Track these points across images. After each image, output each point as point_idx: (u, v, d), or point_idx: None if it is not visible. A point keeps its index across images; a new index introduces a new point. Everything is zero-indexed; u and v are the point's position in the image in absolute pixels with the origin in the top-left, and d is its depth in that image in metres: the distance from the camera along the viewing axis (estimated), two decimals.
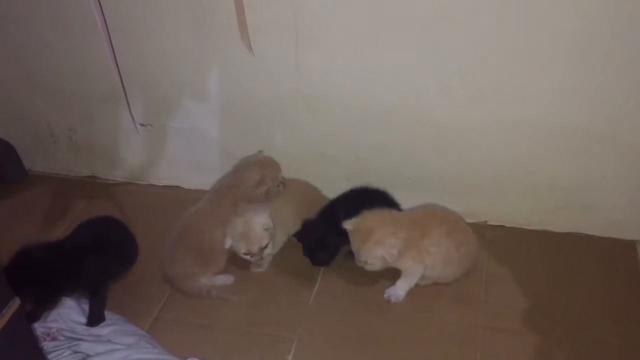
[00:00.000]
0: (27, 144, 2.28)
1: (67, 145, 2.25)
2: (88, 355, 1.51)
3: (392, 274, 1.76)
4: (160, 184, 2.26)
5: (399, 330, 1.69)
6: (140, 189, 2.26)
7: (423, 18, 1.64)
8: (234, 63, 1.87)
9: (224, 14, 1.73)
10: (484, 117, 1.79)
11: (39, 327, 1.60)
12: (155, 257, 1.87)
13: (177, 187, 2.24)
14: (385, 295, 1.77)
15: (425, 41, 1.69)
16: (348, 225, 1.69)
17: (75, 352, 1.53)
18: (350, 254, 1.86)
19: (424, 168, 1.94)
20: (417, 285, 1.78)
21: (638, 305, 1.72)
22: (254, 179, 1.91)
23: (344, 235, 1.75)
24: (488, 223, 2.01)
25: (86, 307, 1.67)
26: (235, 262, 1.88)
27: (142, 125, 2.10)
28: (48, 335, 1.59)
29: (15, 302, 1.05)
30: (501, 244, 1.94)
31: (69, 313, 1.67)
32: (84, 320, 1.65)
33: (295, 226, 1.89)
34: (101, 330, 1.63)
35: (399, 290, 1.77)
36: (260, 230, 1.76)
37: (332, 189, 1.97)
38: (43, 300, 1.62)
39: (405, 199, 1.91)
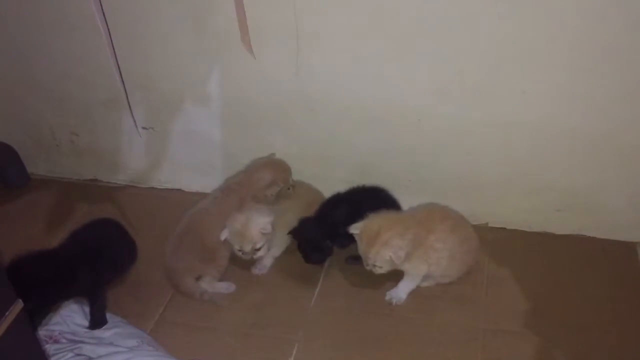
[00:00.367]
0: (30, 148, 2.29)
1: (69, 149, 2.26)
2: (90, 358, 1.51)
3: (393, 276, 1.76)
4: (162, 187, 2.27)
5: (400, 332, 1.69)
6: (142, 192, 2.26)
7: (423, 20, 1.65)
8: (235, 66, 1.87)
9: (225, 17, 1.74)
10: (484, 119, 1.79)
11: (41, 330, 1.61)
12: (158, 260, 1.88)
13: (179, 190, 2.25)
14: (387, 298, 1.77)
15: (425, 43, 1.69)
16: (355, 229, 1.69)
17: (77, 355, 1.53)
18: (351, 260, 1.89)
19: (424, 170, 1.95)
20: (418, 286, 1.79)
21: (638, 307, 1.72)
22: (265, 180, 1.92)
23: (340, 236, 1.77)
24: (489, 225, 2.01)
25: (88, 310, 1.67)
26: (237, 263, 1.89)
27: (144, 128, 2.10)
28: (50, 338, 1.59)
29: (18, 305, 1.05)
30: (502, 245, 1.94)
31: (71, 316, 1.67)
32: (86, 323, 1.66)
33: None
34: (103, 333, 1.63)
35: (401, 292, 1.77)
36: (257, 232, 1.77)
37: (333, 191, 1.97)
38: (37, 311, 1.61)
39: (406, 201, 1.92)
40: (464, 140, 1.85)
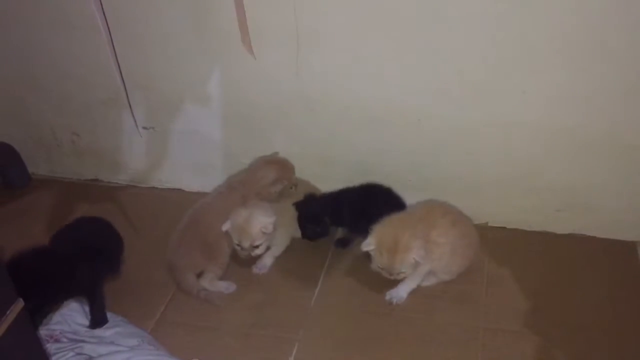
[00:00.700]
0: (31, 148, 2.29)
1: (70, 149, 2.26)
2: (91, 357, 1.51)
3: None
4: (163, 187, 2.27)
5: (400, 332, 1.69)
6: (143, 192, 2.27)
7: (423, 20, 1.65)
8: (235, 66, 1.88)
9: (226, 17, 1.74)
10: (484, 119, 1.79)
11: (42, 330, 1.60)
12: (158, 260, 1.88)
13: (179, 189, 2.25)
14: (387, 297, 1.77)
15: (425, 43, 1.70)
16: (368, 245, 1.68)
17: (78, 354, 1.53)
18: (338, 243, 1.94)
19: (424, 170, 1.95)
20: (419, 286, 1.79)
21: (639, 307, 1.72)
22: (269, 177, 1.94)
23: (338, 216, 1.83)
24: (489, 224, 2.01)
25: (89, 309, 1.68)
26: (238, 262, 1.89)
27: (144, 128, 2.11)
28: (51, 337, 1.59)
29: (19, 304, 1.05)
30: (502, 245, 1.94)
31: (72, 315, 1.67)
32: (87, 322, 1.66)
33: (298, 229, 1.91)
34: (104, 332, 1.63)
35: (401, 291, 1.77)
36: (258, 230, 1.78)
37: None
38: (37, 311, 1.61)
39: (407, 201, 1.92)
40: (464, 140, 1.86)
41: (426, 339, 1.67)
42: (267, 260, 1.91)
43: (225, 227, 1.80)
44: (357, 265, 1.88)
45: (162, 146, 2.16)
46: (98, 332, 1.63)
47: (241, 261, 1.87)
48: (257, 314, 1.77)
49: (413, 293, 1.78)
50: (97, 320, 1.65)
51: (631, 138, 1.73)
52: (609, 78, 1.64)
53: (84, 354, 1.53)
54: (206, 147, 2.11)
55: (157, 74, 1.96)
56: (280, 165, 1.97)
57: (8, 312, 1.03)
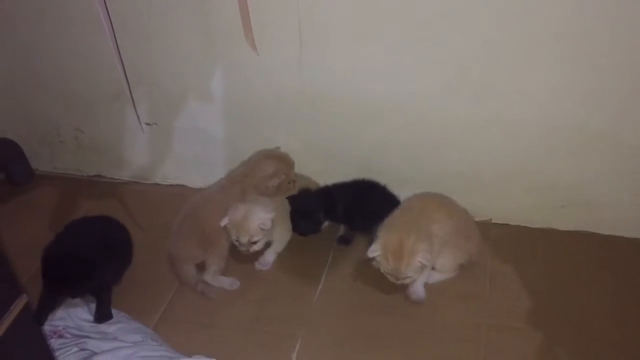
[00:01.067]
0: (34, 145, 2.29)
1: (73, 145, 2.26)
2: (94, 353, 1.52)
3: None
4: (166, 183, 2.27)
5: (403, 328, 1.69)
6: (146, 188, 2.27)
7: (426, 17, 1.65)
8: (238, 62, 1.87)
9: (228, 13, 1.73)
10: (487, 115, 1.79)
11: (46, 325, 1.62)
12: (161, 256, 1.89)
13: (182, 185, 2.25)
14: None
15: (428, 40, 1.69)
16: (374, 252, 1.67)
17: (82, 350, 1.54)
18: (340, 240, 1.93)
19: (427, 166, 1.94)
20: (426, 282, 1.79)
21: None
22: (268, 170, 1.93)
23: (332, 212, 1.83)
24: (492, 221, 2.01)
25: (93, 305, 1.68)
26: (241, 259, 1.89)
27: (147, 124, 2.11)
28: (55, 333, 1.60)
29: (22, 300, 1.06)
30: (505, 242, 1.94)
31: (76, 311, 1.68)
32: (90, 318, 1.67)
33: None
34: (107, 327, 1.64)
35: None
36: (256, 226, 1.77)
37: None
38: (45, 306, 1.64)
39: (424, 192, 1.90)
40: (468, 136, 1.85)
41: (429, 335, 1.67)
42: (270, 257, 1.91)
43: (224, 222, 1.79)
44: (359, 262, 1.88)
45: (165, 142, 2.16)
46: (102, 327, 1.64)
47: (243, 258, 1.87)
48: (260, 310, 1.77)
49: None
50: (103, 314, 1.66)
51: (636, 134, 1.73)
52: (613, 75, 1.63)
53: (88, 350, 1.54)
54: (209, 143, 2.11)
55: (160, 71, 1.96)
56: (279, 160, 1.97)
57: (12, 307, 1.03)
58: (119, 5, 1.75)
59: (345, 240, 1.96)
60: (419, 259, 1.63)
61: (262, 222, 1.78)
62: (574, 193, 1.89)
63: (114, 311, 1.69)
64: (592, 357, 1.59)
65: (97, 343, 1.55)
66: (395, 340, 1.66)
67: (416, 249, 1.63)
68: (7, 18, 1.97)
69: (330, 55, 1.79)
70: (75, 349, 1.55)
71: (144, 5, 1.81)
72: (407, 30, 1.69)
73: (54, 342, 1.56)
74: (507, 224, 2.00)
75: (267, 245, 1.89)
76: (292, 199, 1.88)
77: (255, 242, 1.80)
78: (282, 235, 1.91)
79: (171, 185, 2.26)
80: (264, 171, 1.93)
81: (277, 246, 1.92)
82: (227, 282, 1.85)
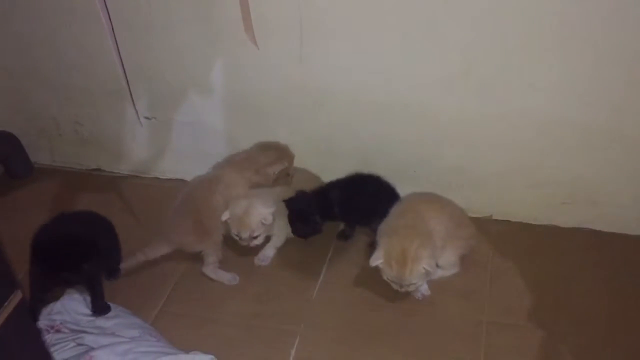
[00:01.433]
0: (33, 137, 2.28)
1: (72, 138, 2.25)
2: (92, 348, 1.51)
3: None
4: (165, 177, 2.26)
5: (403, 325, 1.68)
6: (145, 182, 2.26)
7: (430, 10, 1.64)
8: (238, 56, 1.86)
9: (229, 7, 1.72)
10: (488, 111, 1.78)
11: (43, 320, 1.60)
12: None
13: (182, 180, 2.23)
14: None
15: (431, 34, 1.68)
16: (377, 259, 1.65)
17: (79, 345, 1.53)
18: (341, 235, 1.93)
19: (428, 161, 1.93)
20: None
21: None
22: (270, 156, 1.92)
23: (329, 212, 1.81)
24: (493, 217, 2.00)
25: (89, 299, 1.67)
26: (240, 254, 1.88)
27: (146, 118, 2.10)
28: (52, 327, 1.59)
29: (17, 295, 1.04)
30: (506, 238, 1.93)
31: (73, 305, 1.66)
32: (88, 312, 1.65)
33: None
34: (105, 322, 1.63)
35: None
36: (257, 221, 1.77)
37: None
38: (37, 300, 1.63)
39: (410, 193, 1.90)
40: (469, 132, 1.84)
41: (429, 332, 1.66)
42: (269, 252, 1.91)
43: (225, 217, 1.79)
44: (359, 257, 1.87)
45: (164, 136, 2.15)
46: (99, 322, 1.63)
47: (243, 252, 1.86)
48: (259, 305, 1.77)
49: None
50: (99, 307, 1.65)
51: (636, 131, 1.72)
52: (616, 71, 1.62)
53: (85, 345, 1.53)
54: (209, 137, 2.09)
55: (160, 64, 1.95)
56: (282, 149, 1.97)
57: (6, 303, 1.02)
58: None
59: (345, 236, 1.95)
60: (424, 265, 1.62)
61: (264, 217, 1.77)
62: (576, 190, 1.88)
63: (112, 305, 1.68)
64: (593, 354, 1.58)
65: (94, 338, 1.54)
66: (395, 336, 1.66)
67: (420, 255, 1.62)
68: (5, 10, 1.96)
69: (331, 49, 1.78)
70: (72, 344, 1.53)
71: None
72: (409, 24, 1.68)
73: (51, 337, 1.55)
74: (509, 221, 1.99)
75: (267, 240, 1.88)
76: (288, 203, 1.85)
77: (256, 237, 1.79)
78: (281, 230, 1.90)
79: (171, 180, 2.25)
80: (267, 157, 1.93)
81: (277, 241, 1.92)
82: (227, 278, 1.84)
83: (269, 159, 1.92)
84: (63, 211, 1.81)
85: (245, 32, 1.75)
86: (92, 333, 1.57)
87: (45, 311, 1.63)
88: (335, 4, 1.69)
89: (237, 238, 1.80)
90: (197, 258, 1.86)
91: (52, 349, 1.52)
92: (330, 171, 2.00)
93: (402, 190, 1.92)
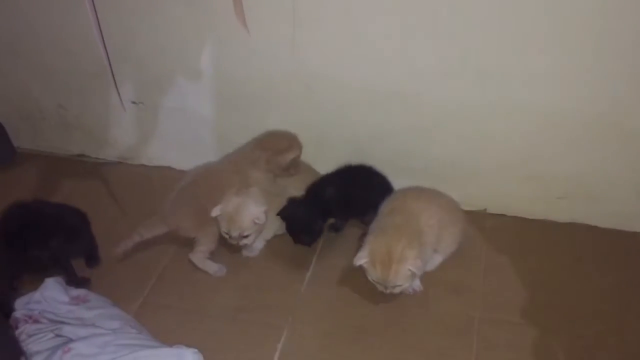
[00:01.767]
0: (15, 121, 2.24)
1: (56, 122, 2.21)
2: (70, 340, 1.46)
3: None
4: (151, 164, 2.23)
5: (393, 320, 1.66)
6: (131, 169, 2.23)
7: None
8: (228, 41, 1.83)
9: None
10: (485, 102, 1.75)
11: (20, 310, 1.56)
12: (144, 240, 1.82)
13: (168, 167, 2.20)
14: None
15: (426, 23, 1.66)
16: (361, 259, 1.60)
17: (57, 336, 1.49)
18: (331, 227, 1.90)
19: (423, 153, 1.91)
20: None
21: (639, 298, 1.69)
22: (283, 144, 1.89)
23: (328, 213, 1.78)
24: (487, 211, 1.98)
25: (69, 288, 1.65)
26: (228, 245, 1.84)
27: (133, 103, 2.06)
28: (30, 317, 1.55)
29: None
30: (501, 233, 1.91)
31: (53, 294, 1.61)
32: (67, 299, 1.60)
33: None
34: (85, 313, 1.58)
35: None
36: (249, 220, 1.73)
37: None
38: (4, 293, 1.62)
39: (404, 185, 1.87)
40: (465, 124, 1.82)
41: (420, 327, 1.63)
42: (258, 244, 1.87)
43: (215, 213, 1.74)
44: (349, 249, 1.83)
45: (151, 122, 2.11)
46: (79, 312, 1.58)
47: (234, 250, 1.83)
48: (245, 298, 1.73)
49: None
50: (76, 282, 1.69)
51: (637, 125, 1.69)
52: (616, 64, 1.60)
53: (63, 336, 1.49)
54: (197, 124, 2.06)
55: (146, 47, 1.91)
56: (294, 138, 1.93)
57: None
58: None
59: (335, 228, 1.92)
60: (409, 266, 1.57)
61: (257, 216, 1.73)
62: (573, 184, 1.86)
63: (94, 296, 1.64)
64: (587, 352, 1.56)
65: (73, 329, 1.50)
66: (385, 331, 1.63)
67: (405, 255, 1.57)
68: None
69: (325, 35, 1.75)
70: (50, 335, 1.49)
71: None
72: (406, 11, 1.64)
73: (28, 328, 1.51)
74: (504, 215, 1.97)
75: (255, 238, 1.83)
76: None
77: (246, 236, 1.75)
78: (271, 223, 1.85)
79: (157, 167, 2.22)
80: (278, 144, 1.89)
81: (266, 233, 1.88)
82: (214, 269, 1.80)
83: (281, 146, 1.89)
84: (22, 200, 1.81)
85: (235, 16, 1.71)
86: (71, 324, 1.53)
87: (23, 300, 1.59)
88: None
89: (227, 236, 1.76)
90: (183, 248, 1.83)
91: (29, 340, 1.49)
92: (323, 162, 1.98)
93: (396, 182, 1.89)
